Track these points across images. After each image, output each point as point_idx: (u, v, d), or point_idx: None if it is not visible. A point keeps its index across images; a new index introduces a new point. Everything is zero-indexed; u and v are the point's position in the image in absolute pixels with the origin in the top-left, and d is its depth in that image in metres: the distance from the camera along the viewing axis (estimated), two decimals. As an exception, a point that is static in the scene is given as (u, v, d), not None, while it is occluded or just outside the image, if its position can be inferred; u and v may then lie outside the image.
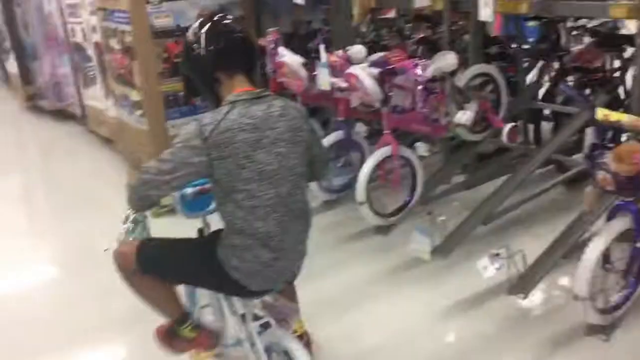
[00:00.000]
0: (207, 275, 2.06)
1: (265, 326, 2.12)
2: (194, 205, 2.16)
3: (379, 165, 3.45)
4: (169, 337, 2.25)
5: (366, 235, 3.64)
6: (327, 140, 3.73)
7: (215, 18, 2.01)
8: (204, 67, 1.97)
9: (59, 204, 4.66)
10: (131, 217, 2.12)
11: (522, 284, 2.73)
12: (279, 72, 3.87)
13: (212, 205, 2.14)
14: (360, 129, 3.96)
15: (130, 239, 2.13)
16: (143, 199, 1.94)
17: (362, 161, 3.62)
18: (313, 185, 3.80)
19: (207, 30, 1.95)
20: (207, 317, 2.41)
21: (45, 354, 2.78)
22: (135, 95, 4.30)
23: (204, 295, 2.40)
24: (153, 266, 2.09)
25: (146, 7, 4.01)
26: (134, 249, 2.07)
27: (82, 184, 4.94)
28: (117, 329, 2.92)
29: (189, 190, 2.15)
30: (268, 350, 2.14)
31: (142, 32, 4.05)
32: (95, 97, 5.47)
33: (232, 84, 1.96)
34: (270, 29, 4.00)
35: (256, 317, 2.14)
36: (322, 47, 3.57)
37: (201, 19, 2.02)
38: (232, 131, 1.86)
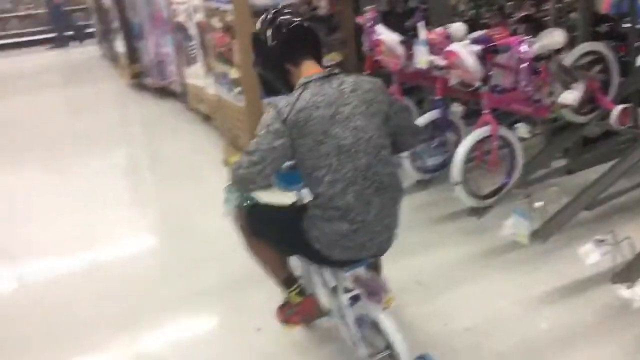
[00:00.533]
0: (295, 243, 2.17)
1: (355, 299, 2.18)
2: (288, 179, 2.24)
3: (476, 146, 3.37)
4: (283, 308, 2.45)
5: (460, 217, 3.57)
6: (422, 120, 3.69)
7: (276, 13, 2.13)
8: (273, 62, 2.11)
9: (159, 177, 4.92)
10: (230, 190, 2.27)
11: (627, 273, 2.58)
12: (376, 50, 3.85)
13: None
14: (457, 109, 3.88)
15: (230, 207, 2.28)
16: (245, 190, 2.15)
17: (458, 142, 3.55)
18: (406, 165, 3.78)
19: (269, 26, 2.09)
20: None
21: (141, 318, 2.94)
22: (234, 73, 4.42)
23: (296, 266, 2.49)
24: (258, 230, 2.26)
25: (247, -14, 4.10)
26: (246, 213, 2.26)
27: (181, 158, 5.17)
28: (208, 298, 3.04)
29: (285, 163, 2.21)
30: (358, 322, 2.19)
31: (242, 11, 4.15)
32: (196, 75, 5.69)
33: (300, 71, 2.06)
34: (368, 7, 3.98)
35: (347, 290, 2.20)
36: (421, 25, 3.52)
37: (262, 17, 2.16)
38: (308, 110, 1.95)
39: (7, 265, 3.55)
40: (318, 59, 2.13)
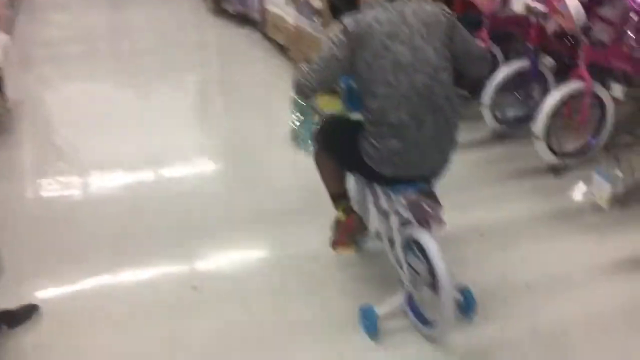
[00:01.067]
0: (350, 157, 2.24)
1: (405, 222, 2.19)
2: (357, 102, 2.22)
3: (565, 101, 3.19)
4: (333, 232, 2.53)
5: (537, 173, 3.43)
6: (509, 68, 3.52)
7: None
8: None
9: (229, 103, 4.93)
10: (297, 104, 2.40)
11: None
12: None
13: None
14: (548, 61, 3.66)
15: (297, 126, 2.44)
16: (304, 98, 2.24)
17: (545, 95, 3.37)
18: (486, 116, 3.63)
19: None
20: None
21: (197, 235, 2.99)
22: (317, 3, 4.31)
23: (351, 188, 2.55)
24: (325, 142, 2.40)
25: None
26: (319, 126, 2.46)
27: (252, 87, 5.14)
28: (264, 225, 3.06)
29: (354, 85, 2.24)
30: (405, 246, 2.21)
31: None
32: (277, 3, 5.59)
33: None
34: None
35: (398, 213, 2.21)
36: (523, -34, 3.30)
37: None
38: (371, 25, 2.04)
39: (75, 173, 3.65)
40: None
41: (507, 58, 4.02)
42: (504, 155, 3.68)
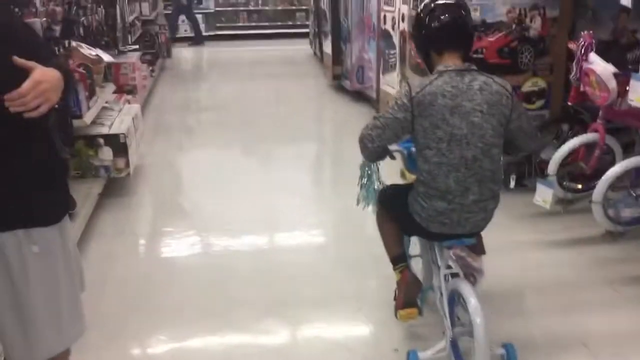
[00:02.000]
0: (402, 216, 2.43)
1: (453, 275, 2.39)
2: (417, 165, 2.38)
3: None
4: (398, 293, 2.54)
5: (654, 282, 3.10)
6: (626, 164, 3.27)
7: (437, 2, 2.32)
8: (420, 44, 2.43)
9: (340, 178, 4.98)
10: (363, 168, 2.65)
11: None
12: (584, 80, 3.48)
13: None
14: (672, 158, 3.36)
15: (362, 188, 2.67)
16: (364, 150, 2.38)
17: (666, 196, 3.08)
18: (597, 213, 3.36)
19: (424, 13, 2.33)
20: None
21: (286, 317, 3.01)
22: (427, 86, 4.33)
23: (416, 245, 2.77)
24: (383, 204, 2.60)
25: (456, -1, 3.98)
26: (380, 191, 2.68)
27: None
28: (352, 304, 3.01)
29: (414, 149, 2.39)
30: (451, 297, 2.36)
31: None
32: (391, 83, 5.70)
33: (442, 59, 2.27)
34: (584, 32, 3.61)
35: (448, 267, 2.42)
36: (643, 58, 3.11)
37: (425, 2, 2.36)
38: (434, 95, 2.19)
39: (185, 236, 3.85)
40: (465, 50, 2.32)
41: (629, 152, 3.76)
42: (616, 257, 3.37)
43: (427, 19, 2.31)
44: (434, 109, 2.18)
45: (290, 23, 12.71)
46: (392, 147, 2.45)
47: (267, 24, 12.76)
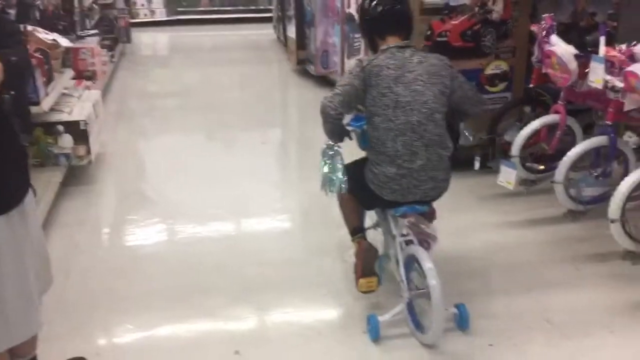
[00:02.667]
0: (359, 187, 2.63)
1: (408, 242, 2.60)
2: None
3: (645, 183, 2.97)
4: (356, 264, 2.69)
5: (611, 259, 3.18)
6: (586, 145, 3.34)
7: None
8: (364, 31, 2.73)
9: (306, 162, 4.98)
10: (326, 152, 2.66)
11: None
12: (546, 62, 3.54)
13: None
14: (630, 138, 3.45)
15: (325, 171, 2.68)
16: (326, 124, 2.57)
17: (624, 174, 3.15)
18: (559, 193, 3.43)
19: (367, 3, 2.63)
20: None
21: (256, 303, 3.00)
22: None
23: (372, 216, 2.97)
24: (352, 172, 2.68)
25: (420, -18, 3.99)
26: None
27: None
28: (321, 289, 3.03)
29: (366, 127, 2.62)
30: (407, 263, 2.59)
31: (412, 7, 4.01)
32: (356, 68, 5.69)
33: (384, 42, 2.59)
34: (545, 15, 3.66)
35: (402, 235, 2.64)
36: (602, 39, 3.17)
37: None
38: (380, 67, 2.49)
39: (149, 223, 3.79)
40: (406, 34, 2.62)
41: (588, 132, 3.85)
42: (578, 235, 3.46)
43: (369, 8, 2.62)
44: (380, 78, 2.48)
45: (253, 7, 12.52)
46: (348, 126, 2.69)
47: (229, 8, 12.55)
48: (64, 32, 5.50)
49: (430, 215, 2.73)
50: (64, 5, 5.82)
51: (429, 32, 4.07)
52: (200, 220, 3.80)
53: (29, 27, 4.07)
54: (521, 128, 3.73)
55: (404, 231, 2.62)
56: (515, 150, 3.63)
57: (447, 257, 3.22)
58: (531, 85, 3.90)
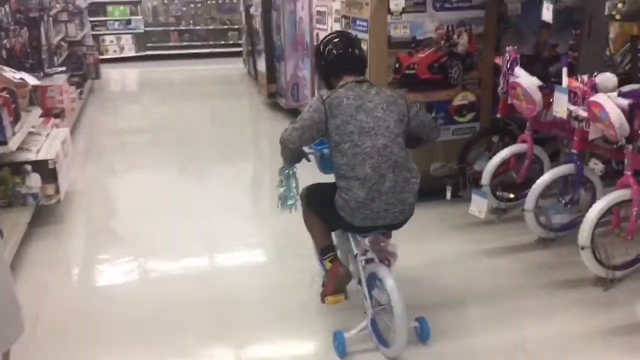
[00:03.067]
0: (326, 212, 2.72)
1: (369, 261, 2.74)
2: (329, 164, 2.75)
3: (612, 209, 3.03)
4: (327, 280, 2.79)
5: (582, 285, 3.23)
6: (554, 173, 3.42)
7: (333, 38, 2.82)
8: (321, 73, 2.85)
9: (273, 194, 4.96)
10: (282, 172, 2.85)
11: None
12: (511, 93, 3.63)
13: None
14: (595, 165, 3.54)
15: (281, 190, 2.86)
16: (284, 151, 2.74)
17: (592, 201, 3.23)
18: (529, 221, 3.49)
19: (324, 47, 2.80)
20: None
21: (230, 333, 2.95)
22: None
23: (333, 237, 2.94)
24: (310, 204, 2.85)
25: (387, 17, 4.07)
26: (304, 191, 2.90)
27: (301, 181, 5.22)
28: (307, 322, 3.00)
29: (325, 151, 2.78)
30: (369, 280, 2.70)
31: (379, 41, 4.12)
32: (327, 101, 5.76)
33: (340, 80, 2.72)
34: (509, 47, 3.77)
35: (364, 253, 2.76)
36: (564, 70, 3.27)
37: (325, 37, 2.87)
38: (340, 99, 2.63)
39: (119, 262, 3.73)
40: (361, 71, 2.79)
41: (555, 160, 3.94)
42: (549, 262, 3.50)
43: (325, 53, 2.79)
44: (341, 108, 2.61)
45: (222, 42, 12.62)
46: (307, 149, 2.84)
47: (199, 43, 12.63)
48: (31, 70, 5.47)
49: (387, 233, 2.88)
50: (31, 43, 5.77)
51: (397, 65, 4.16)
52: (173, 257, 3.75)
53: (-4, 66, 4.03)
54: (490, 157, 3.80)
55: (365, 250, 2.76)
56: (485, 179, 3.70)
57: (420, 287, 3.23)
58: (498, 116, 3.99)
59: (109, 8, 12.09)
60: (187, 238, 4.00)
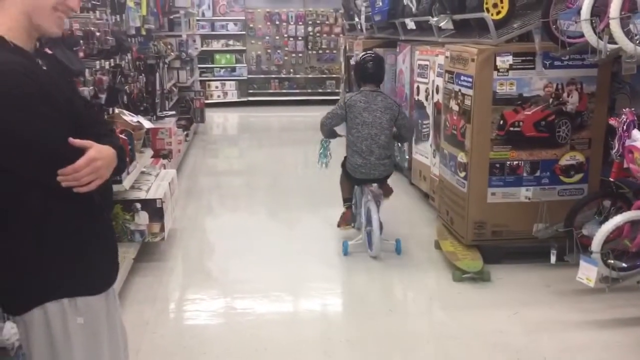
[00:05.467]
0: (346, 172, 4.61)
1: (368, 201, 4.44)
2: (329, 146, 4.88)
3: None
4: (342, 216, 4.76)
5: None
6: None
7: (366, 57, 4.59)
8: (355, 79, 4.76)
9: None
10: (322, 142, 4.79)
11: None
12: (627, 156, 3.43)
13: None
14: None
15: (320, 152, 4.83)
16: (322, 129, 4.63)
17: None
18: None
19: (359, 62, 4.61)
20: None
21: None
22: (462, 157, 4.32)
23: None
24: (343, 168, 4.69)
25: (493, 73, 4.02)
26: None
27: (394, 231, 5.16)
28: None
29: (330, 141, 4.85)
30: (367, 212, 4.46)
31: (483, 97, 4.07)
32: (424, 153, 5.72)
33: (364, 86, 4.50)
34: (626, 109, 3.59)
35: (365, 196, 4.52)
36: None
37: (361, 55, 4.74)
38: (355, 101, 4.41)
39: (220, 301, 3.86)
40: (378, 82, 4.58)
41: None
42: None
43: (357, 66, 4.65)
44: (355, 108, 4.39)
45: (320, 90, 12.96)
46: (338, 130, 4.67)
47: (297, 90, 13.03)
48: (145, 113, 5.84)
49: (387, 192, 4.69)
50: (147, 88, 6.18)
51: (501, 122, 4.08)
52: (264, 302, 3.81)
53: (117, 110, 4.34)
54: (601, 222, 3.58)
55: (368, 195, 4.42)
56: (595, 246, 3.48)
57: (520, 356, 3.06)
58: (611, 179, 3.78)
59: (217, 56, 12.78)
60: (278, 283, 4.06)
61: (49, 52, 2.95)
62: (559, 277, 3.88)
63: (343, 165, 4.61)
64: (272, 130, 10.64)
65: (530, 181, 4.20)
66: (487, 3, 4.29)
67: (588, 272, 3.35)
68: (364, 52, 4.67)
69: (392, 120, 4.36)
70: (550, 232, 3.94)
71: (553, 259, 3.82)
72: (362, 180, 4.46)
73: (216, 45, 12.74)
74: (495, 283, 3.96)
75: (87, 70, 3.62)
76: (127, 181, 3.92)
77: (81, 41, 3.53)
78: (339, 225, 4.69)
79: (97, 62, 3.87)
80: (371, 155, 4.34)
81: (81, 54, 3.57)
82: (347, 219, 4.68)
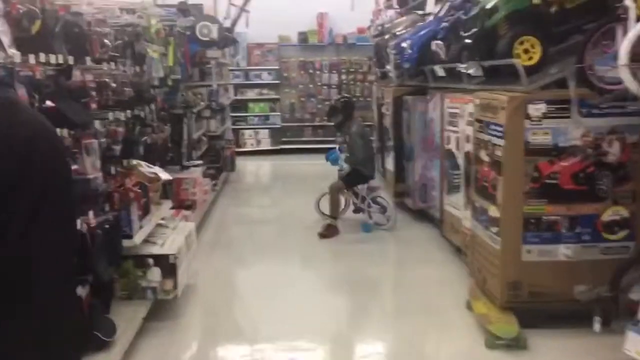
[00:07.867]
0: (356, 179, 6.58)
1: (368, 193, 6.55)
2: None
3: None
4: (328, 228, 6.22)
5: None
6: None
7: (344, 99, 7.20)
8: (341, 116, 6.84)
9: (398, 299, 4.76)
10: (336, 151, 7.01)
11: None
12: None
13: None
14: None
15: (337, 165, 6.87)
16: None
17: None
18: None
19: (339, 101, 7.12)
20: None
21: None
22: (494, 211, 4.03)
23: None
24: (344, 182, 6.59)
25: (525, 122, 3.77)
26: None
27: (424, 286, 4.88)
28: None
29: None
30: (369, 203, 6.56)
31: (515, 147, 3.81)
32: (455, 205, 5.43)
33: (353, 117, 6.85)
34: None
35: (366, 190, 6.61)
36: None
37: (339, 100, 7.33)
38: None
39: (237, 346, 3.76)
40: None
41: None
42: None
43: (343, 107, 6.81)
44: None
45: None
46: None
47: (331, 138, 12.91)
48: (171, 163, 5.76)
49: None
50: (173, 137, 6.12)
51: (535, 174, 3.79)
52: (281, 346, 3.70)
53: (133, 161, 4.24)
54: (650, 287, 3.23)
55: (365, 189, 6.45)
56: (644, 314, 3.12)
57: None
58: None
59: (250, 104, 12.85)
60: (303, 343, 3.85)
61: (51, 104, 2.87)
62: (602, 345, 3.50)
63: (346, 178, 6.52)
64: (305, 178, 10.47)
65: (570, 238, 3.86)
66: (517, 49, 4.07)
67: (636, 345, 2.98)
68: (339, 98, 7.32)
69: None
70: (592, 295, 3.59)
71: (597, 327, 3.46)
72: (367, 178, 6.53)
73: (250, 94, 12.81)
74: (532, 351, 3.61)
75: (98, 122, 3.53)
76: (139, 236, 3.78)
77: (93, 93, 3.44)
78: (324, 237, 6.05)
79: (110, 113, 3.78)
80: (374, 167, 6.81)
81: (94, 105, 3.49)
82: (333, 233, 6.06)
